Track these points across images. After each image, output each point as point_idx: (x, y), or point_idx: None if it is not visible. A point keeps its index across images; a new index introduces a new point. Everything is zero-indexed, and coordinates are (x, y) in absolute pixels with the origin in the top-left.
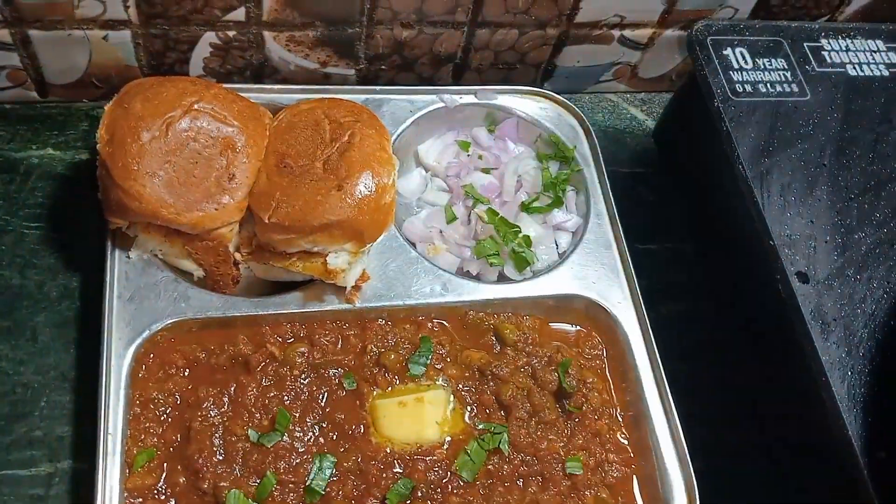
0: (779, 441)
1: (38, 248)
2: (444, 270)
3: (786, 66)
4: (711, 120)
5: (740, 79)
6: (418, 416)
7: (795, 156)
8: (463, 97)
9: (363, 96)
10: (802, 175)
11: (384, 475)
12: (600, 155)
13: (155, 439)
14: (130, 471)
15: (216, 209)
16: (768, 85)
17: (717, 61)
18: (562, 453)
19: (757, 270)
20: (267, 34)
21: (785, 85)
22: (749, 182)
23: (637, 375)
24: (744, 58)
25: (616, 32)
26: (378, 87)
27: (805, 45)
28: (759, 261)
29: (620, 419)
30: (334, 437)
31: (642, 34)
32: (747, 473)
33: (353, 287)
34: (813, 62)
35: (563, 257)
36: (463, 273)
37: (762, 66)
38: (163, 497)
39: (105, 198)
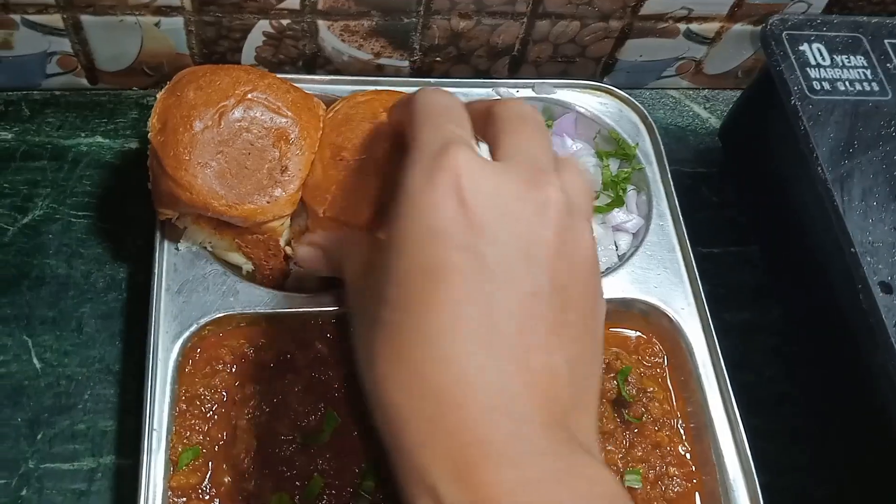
0: (850, 459)
1: (85, 237)
2: None
3: (865, 64)
4: (786, 119)
5: (818, 76)
6: None
7: (877, 158)
8: (520, 91)
9: (416, 89)
10: (885, 179)
11: None
12: (664, 153)
13: (200, 437)
14: (175, 468)
15: (268, 202)
16: (847, 83)
17: (793, 57)
18: (620, 465)
19: (834, 279)
20: (321, 23)
21: (865, 83)
22: (829, 185)
23: (700, 385)
24: (821, 54)
25: (682, 26)
26: (433, 80)
27: (886, 41)
28: (837, 269)
29: (682, 431)
30: (380, 439)
31: (710, 28)
32: (814, 491)
33: None
34: (894, 60)
35: (622, 259)
36: None
37: (840, 63)
38: (207, 497)
39: (155, 188)
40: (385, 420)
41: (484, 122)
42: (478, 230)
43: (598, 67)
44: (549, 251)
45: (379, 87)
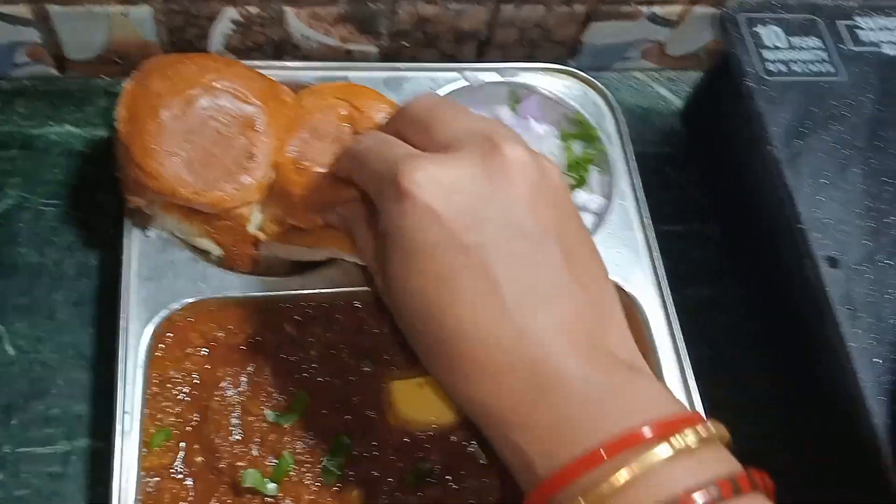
0: (805, 431)
1: (56, 225)
2: None
3: (821, 46)
4: (742, 100)
5: (774, 58)
6: (437, 397)
7: (828, 138)
8: (486, 75)
9: (385, 73)
10: (835, 158)
11: (401, 456)
12: (627, 134)
13: (172, 419)
14: (148, 450)
15: (236, 189)
16: (802, 64)
17: (749, 39)
18: None
19: (786, 255)
20: (288, 10)
21: (819, 64)
22: (780, 165)
23: (657, 360)
24: (777, 36)
25: (645, 9)
26: (401, 65)
27: (840, 22)
28: (788, 245)
29: None
30: (350, 418)
31: (672, 11)
32: (771, 463)
33: None
34: (849, 41)
35: None
36: None
37: (796, 46)
38: (179, 476)
39: (123, 176)
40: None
41: (405, 130)
42: (462, 230)
43: (564, 51)
44: (532, 206)
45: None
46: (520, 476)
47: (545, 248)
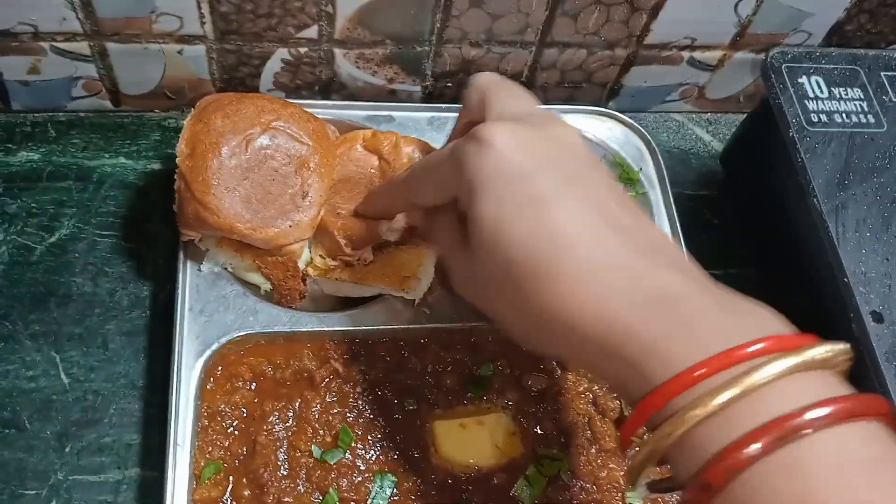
0: None
1: (110, 256)
2: None
3: (862, 96)
4: (784, 149)
5: (816, 108)
6: (479, 439)
7: (871, 189)
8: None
9: (428, 114)
10: (878, 210)
11: (443, 496)
12: (666, 177)
13: (221, 452)
14: (198, 482)
15: (290, 226)
16: (844, 115)
17: (792, 89)
18: (622, 482)
19: (827, 306)
20: (337, 51)
21: (861, 115)
22: (823, 216)
23: None
24: (819, 86)
25: (686, 54)
26: (444, 105)
27: (882, 73)
28: (830, 296)
29: None
30: (395, 456)
31: (712, 56)
32: None
33: (421, 300)
34: (890, 92)
35: None
36: None
37: (838, 96)
38: None
39: (181, 210)
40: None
41: (466, 103)
42: (544, 164)
43: (603, 92)
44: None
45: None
46: (629, 384)
47: (612, 189)
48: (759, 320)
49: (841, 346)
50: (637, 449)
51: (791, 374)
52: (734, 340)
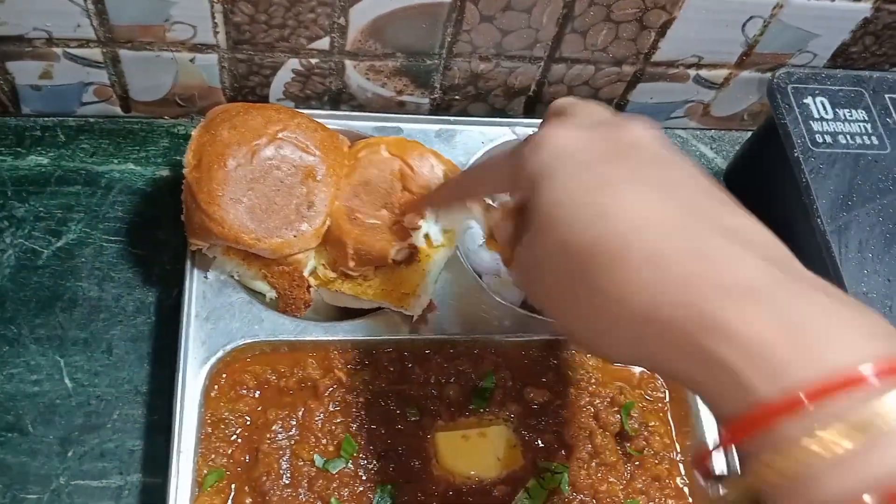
0: None
1: (116, 261)
2: (510, 304)
3: (866, 118)
4: (789, 168)
5: (820, 129)
6: (480, 451)
7: (874, 211)
8: (535, 130)
9: (437, 126)
10: (881, 231)
11: None
12: None
13: (224, 459)
14: (200, 489)
15: (295, 236)
16: (848, 136)
17: (797, 110)
18: (621, 496)
19: None
20: (348, 63)
21: (865, 137)
22: (827, 236)
23: (699, 420)
24: (824, 107)
25: (692, 72)
26: (451, 118)
27: (886, 96)
28: None
29: (681, 464)
30: (397, 466)
31: (718, 74)
32: None
33: (419, 316)
34: (894, 114)
35: None
36: (528, 308)
37: (843, 117)
38: None
39: (188, 220)
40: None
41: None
42: (607, 156)
43: (609, 108)
44: (663, 149)
45: (397, 130)
46: (718, 390)
47: (704, 181)
48: (872, 325)
49: None
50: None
51: None
52: (854, 352)
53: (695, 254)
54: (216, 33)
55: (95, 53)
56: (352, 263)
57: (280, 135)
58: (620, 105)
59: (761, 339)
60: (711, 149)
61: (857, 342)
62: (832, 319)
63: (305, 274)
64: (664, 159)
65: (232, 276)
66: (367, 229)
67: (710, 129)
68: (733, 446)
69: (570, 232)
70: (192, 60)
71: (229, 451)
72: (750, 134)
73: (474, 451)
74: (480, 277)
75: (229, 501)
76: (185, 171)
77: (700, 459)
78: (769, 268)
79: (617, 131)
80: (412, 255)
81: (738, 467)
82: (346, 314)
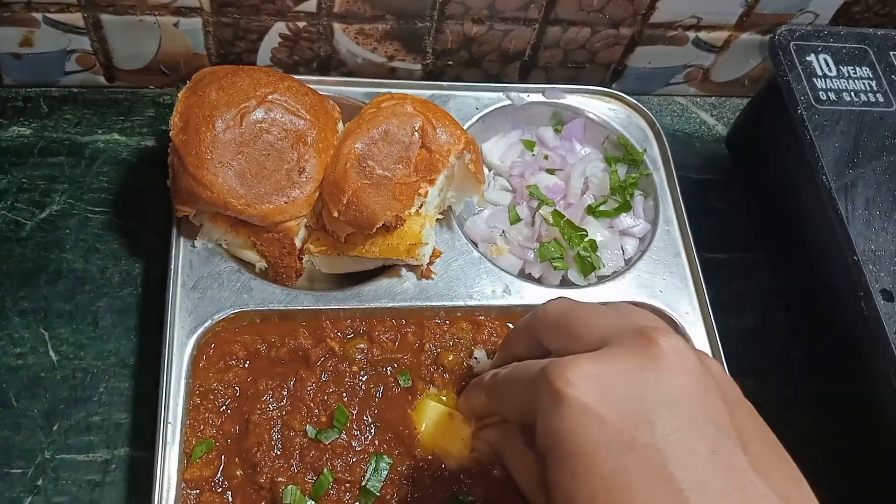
0: (854, 461)
1: (101, 232)
2: (506, 272)
3: (871, 75)
4: (792, 128)
5: (824, 86)
6: (461, 433)
7: (881, 168)
8: (530, 95)
9: (430, 91)
10: (888, 188)
11: (441, 486)
12: (671, 159)
13: (214, 430)
14: (189, 461)
15: (286, 202)
16: (852, 94)
17: (800, 67)
18: None
19: (837, 285)
20: (337, 26)
21: (870, 94)
22: (833, 194)
23: None
24: (827, 65)
25: (691, 34)
26: (445, 84)
27: (891, 53)
28: (840, 276)
29: None
30: (390, 437)
31: (718, 37)
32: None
33: (427, 266)
34: None
35: (629, 264)
36: (525, 275)
37: (846, 74)
38: (219, 489)
39: (175, 185)
40: None
41: (544, 337)
42: (626, 426)
43: (607, 73)
44: (700, 397)
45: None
46: None
47: (722, 443)
48: None
49: None
50: None
51: None
52: None
53: None
54: None
55: (76, 18)
56: (335, 214)
57: (269, 97)
58: (618, 70)
59: None
60: (712, 116)
61: None
62: None
63: (297, 242)
64: (696, 398)
65: (220, 245)
66: (372, 183)
67: (711, 97)
68: None
69: None
70: (175, 25)
71: (219, 423)
72: (751, 98)
73: (457, 430)
74: (476, 246)
75: (219, 473)
76: (171, 133)
77: None
78: None
79: (642, 354)
80: (397, 224)
81: None
82: (341, 284)
